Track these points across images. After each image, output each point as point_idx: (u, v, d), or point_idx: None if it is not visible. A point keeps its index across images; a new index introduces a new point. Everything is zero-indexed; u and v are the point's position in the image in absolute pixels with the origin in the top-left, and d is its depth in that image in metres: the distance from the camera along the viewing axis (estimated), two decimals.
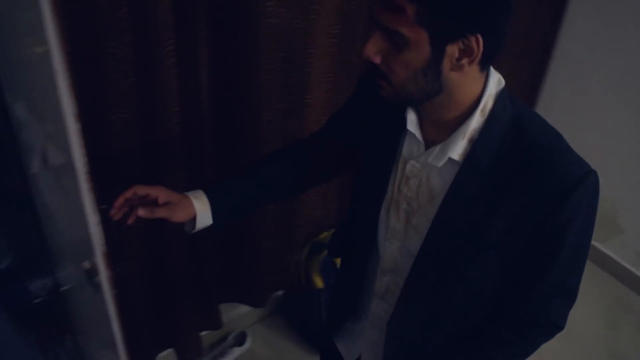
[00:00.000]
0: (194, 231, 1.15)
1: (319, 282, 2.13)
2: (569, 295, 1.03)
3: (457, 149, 0.95)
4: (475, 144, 0.94)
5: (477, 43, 0.84)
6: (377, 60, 0.90)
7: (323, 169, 1.31)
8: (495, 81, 0.95)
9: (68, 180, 0.97)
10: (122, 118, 1.46)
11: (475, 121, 0.93)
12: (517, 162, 0.91)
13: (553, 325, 1.04)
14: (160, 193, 1.08)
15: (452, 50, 0.85)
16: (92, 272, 1.02)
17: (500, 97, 0.94)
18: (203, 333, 2.18)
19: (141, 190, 1.07)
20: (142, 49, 1.40)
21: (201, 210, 1.13)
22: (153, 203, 1.08)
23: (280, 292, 2.41)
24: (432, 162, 0.98)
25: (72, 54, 1.31)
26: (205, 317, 2.14)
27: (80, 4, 1.27)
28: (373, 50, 0.89)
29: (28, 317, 1.80)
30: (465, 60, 0.86)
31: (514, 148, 0.92)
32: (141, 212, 1.06)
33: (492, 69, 0.95)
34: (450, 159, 0.95)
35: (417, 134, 1.00)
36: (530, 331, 1.04)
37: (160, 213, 1.07)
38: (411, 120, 1.00)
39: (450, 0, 0.81)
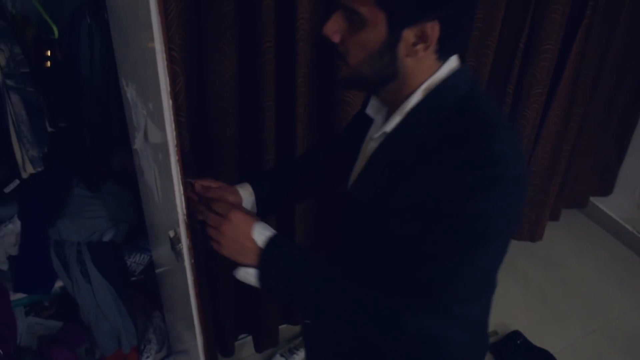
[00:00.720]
0: None
1: None
2: (464, 296, 0.88)
3: (394, 122, 0.93)
4: (408, 114, 0.92)
5: (432, 30, 0.83)
6: (336, 39, 0.89)
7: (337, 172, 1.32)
8: (452, 67, 0.91)
9: (163, 156, 1.08)
10: (221, 107, 1.57)
11: (416, 98, 0.91)
12: (447, 136, 0.87)
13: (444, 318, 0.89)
14: (211, 182, 1.17)
15: (408, 35, 0.85)
16: (175, 240, 1.12)
17: (452, 76, 0.91)
18: (282, 326, 2.26)
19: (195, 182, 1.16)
20: (243, 44, 1.51)
21: (246, 198, 1.19)
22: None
23: None
24: (372, 137, 0.98)
25: (182, 46, 1.44)
26: (286, 311, 2.22)
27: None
28: (332, 29, 0.89)
29: (124, 289, 1.97)
30: (420, 47, 0.86)
31: (449, 123, 0.88)
32: (197, 186, 1.14)
33: (453, 58, 0.92)
34: (384, 133, 0.95)
35: (378, 117, 1.01)
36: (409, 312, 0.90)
37: (215, 193, 1.14)
38: (372, 105, 1.01)
39: None
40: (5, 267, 1.78)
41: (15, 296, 1.84)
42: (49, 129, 1.68)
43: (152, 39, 0.88)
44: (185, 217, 1.07)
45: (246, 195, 1.20)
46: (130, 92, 1.29)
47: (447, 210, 0.84)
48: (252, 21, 1.48)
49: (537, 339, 2.37)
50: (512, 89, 2.13)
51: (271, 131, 1.68)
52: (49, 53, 1.54)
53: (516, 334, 2.35)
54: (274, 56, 1.55)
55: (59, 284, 1.87)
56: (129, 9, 1.13)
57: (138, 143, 1.25)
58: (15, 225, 1.75)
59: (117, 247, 1.90)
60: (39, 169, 1.66)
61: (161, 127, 0.99)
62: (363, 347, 1.03)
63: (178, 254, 1.12)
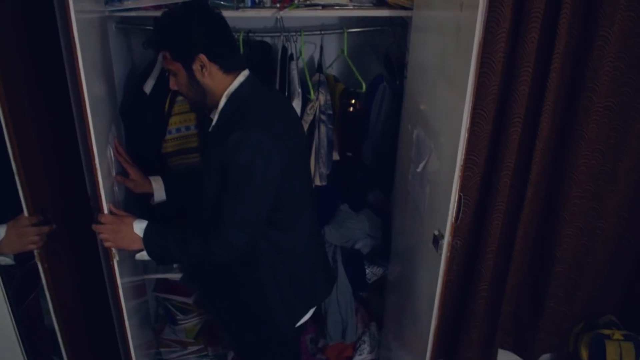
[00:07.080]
0: (154, 203, 1.77)
1: (584, 355, 2.24)
2: (235, 227, 1.41)
3: (215, 118, 1.50)
4: (220, 112, 1.48)
5: (203, 59, 1.40)
6: (175, 88, 1.50)
7: None
8: (241, 79, 1.47)
9: (444, 175, 1.49)
10: (478, 112, 1.85)
11: (223, 101, 1.47)
12: (231, 124, 1.41)
13: (224, 245, 1.42)
14: (132, 170, 1.72)
15: (196, 67, 1.42)
16: (439, 237, 1.50)
17: (240, 85, 1.46)
18: None
19: (125, 163, 1.71)
20: (508, 66, 1.79)
21: (157, 188, 1.76)
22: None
23: (548, 356, 2.50)
24: (210, 129, 1.53)
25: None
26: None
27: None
28: (171, 84, 1.50)
29: (359, 291, 2.33)
30: (205, 71, 1.43)
31: (233, 115, 1.45)
32: (117, 176, 1.67)
33: (242, 74, 1.48)
34: (213, 126, 1.52)
35: (214, 117, 1.52)
36: (209, 243, 1.43)
37: (127, 183, 1.72)
38: (213, 112, 1.54)
39: (174, 44, 1.41)
40: None
41: None
42: (334, 157, 2.20)
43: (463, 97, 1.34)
44: (452, 220, 1.44)
45: (157, 186, 1.76)
46: (416, 133, 1.76)
47: (226, 168, 1.37)
48: (516, 48, 1.76)
49: None
50: None
51: (514, 143, 1.90)
52: (353, 101, 2.04)
53: None
54: (530, 86, 1.80)
55: None
56: (444, 74, 1.56)
57: (420, 168, 1.68)
58: None
59: (362, 256, 2.26)
60: (324, 184, 2.20)
61: (448, 156, 1.46)
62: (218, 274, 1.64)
63: (439, 247, 1.50)
